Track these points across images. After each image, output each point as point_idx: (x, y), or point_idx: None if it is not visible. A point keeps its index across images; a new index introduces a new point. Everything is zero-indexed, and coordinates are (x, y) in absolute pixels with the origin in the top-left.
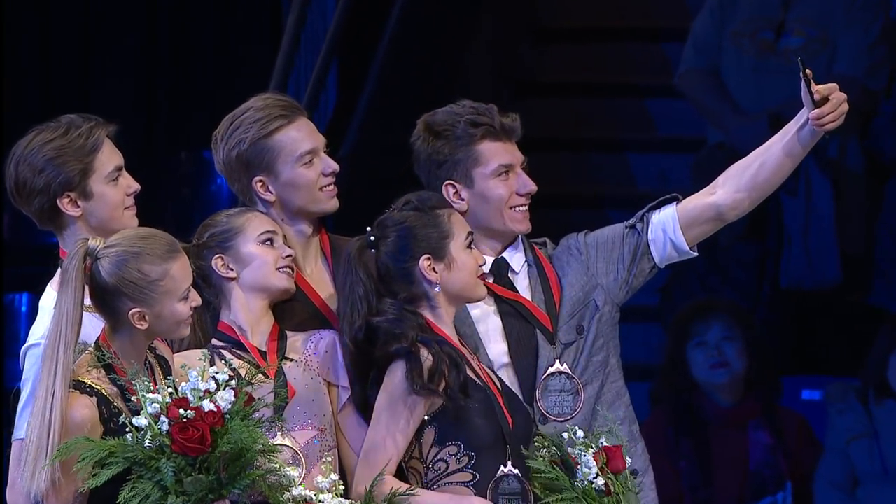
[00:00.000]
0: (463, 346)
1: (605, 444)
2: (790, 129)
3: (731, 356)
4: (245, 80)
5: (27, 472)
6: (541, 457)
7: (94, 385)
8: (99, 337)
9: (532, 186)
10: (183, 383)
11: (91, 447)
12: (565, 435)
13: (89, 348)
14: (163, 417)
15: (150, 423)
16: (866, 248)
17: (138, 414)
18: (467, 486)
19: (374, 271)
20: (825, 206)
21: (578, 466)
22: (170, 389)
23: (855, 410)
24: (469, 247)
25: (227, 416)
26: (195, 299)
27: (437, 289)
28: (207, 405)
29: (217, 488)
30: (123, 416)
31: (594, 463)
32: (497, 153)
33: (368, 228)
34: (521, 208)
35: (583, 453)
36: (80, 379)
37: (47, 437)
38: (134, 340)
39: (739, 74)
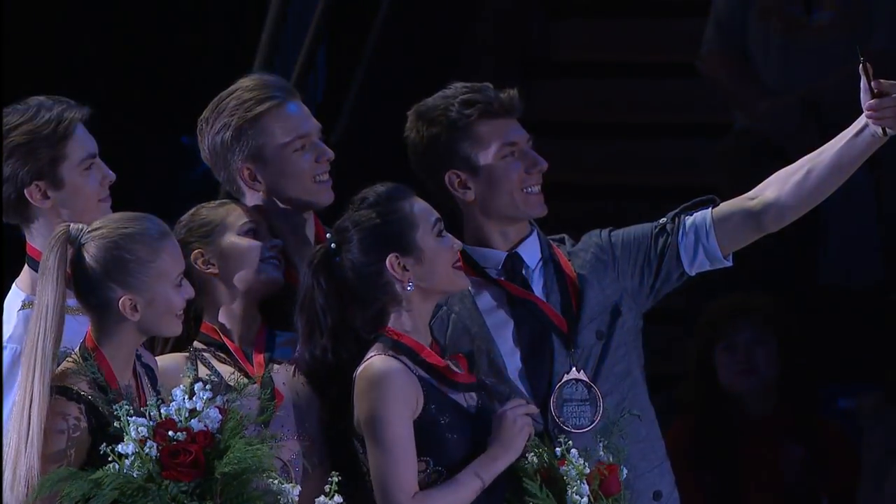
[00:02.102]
0: (438, 349)
1: (602, 457)
2: (845, 135)
3: (761, 361)
4: (224, 58)
5: (6, 482)
6: (529, 464)
7: (81, 392)
8: (84, 339)
9: (543, 163)
10: (164, 405)
11: (76, 481)
12: (557, 450)
13: (74, 353)
14: (150, 442)
15: (137, 451)
16: None
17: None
18: None
19: (342, 281)
20: (864, 195)
21: (568, 492)
22: (156, 410)
23: (888, 423)
24: (440, 234)
25: (218, 435)
26: (189, 291)
27: (409, 286)
28: (197, 425)
29: None
30: (104, 445)
31: (587, 489)
32: (498, 132)
33: (328, 235)
34: (534, 189)
35: (577, 479)
36: (67, 385)
37: (25, 444)
38: (124, 340)
39: (767, 54)
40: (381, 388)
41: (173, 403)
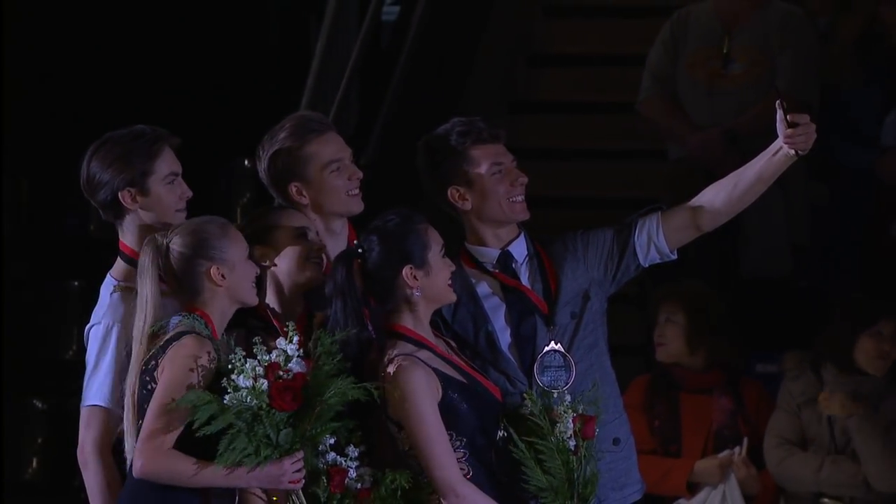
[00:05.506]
0: (440, 336)
1: (583, 412)
2: (765, 155)
3: (670, 337)
4: (277, 98)
5: (127, 427)
6: (532, 406)
7: (208, 336)
8: (187, 308)
9: (524, 178)
10: (270, 353)
11: (209, 404)
12: (555, 394)
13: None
14: (262, 379)
15: (253, 385)
16: (812, 240)
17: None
18: (461, 463)
19: (364, 279)
20: (776, 204)
21: (558, 424)
22: (263, 357)
23: (808, 377)
24: (443, 256)
25: (309, 377)
26: (256, 266)
27: (417, 293)
28: (295, 367)
29: (303, 439)
30: (224, 379)
31: (572, 425)
32: (488, 154)
33: (355, 241)
34: (518, 198)
35: (565, 414)
36: (197, 331)
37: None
38: (218, 304)
39: (694, 97)
40: (416, 393)
41: (274, 351)
